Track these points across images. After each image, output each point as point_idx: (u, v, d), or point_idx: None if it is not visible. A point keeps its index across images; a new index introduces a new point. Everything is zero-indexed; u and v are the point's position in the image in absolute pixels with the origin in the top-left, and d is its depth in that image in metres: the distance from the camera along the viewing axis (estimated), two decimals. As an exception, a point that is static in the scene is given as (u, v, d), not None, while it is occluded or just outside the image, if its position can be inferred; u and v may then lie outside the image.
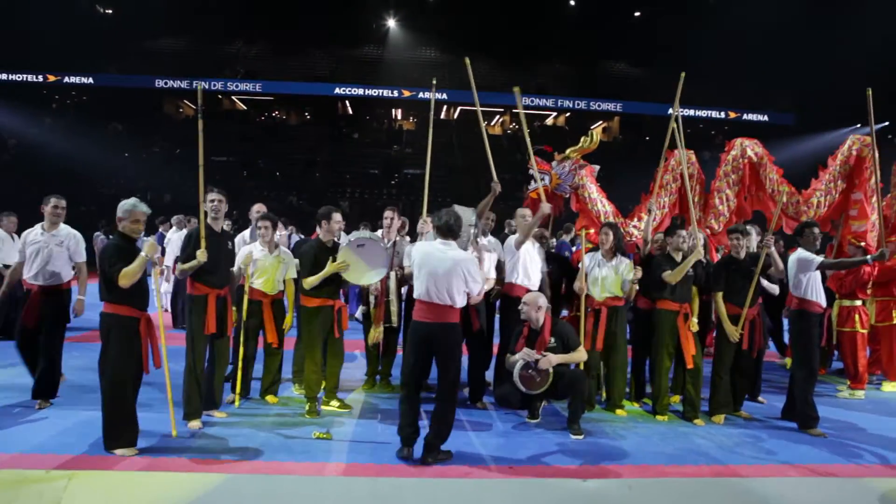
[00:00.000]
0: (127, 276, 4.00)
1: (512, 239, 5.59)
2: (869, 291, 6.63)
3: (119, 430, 4.06)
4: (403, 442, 4.19)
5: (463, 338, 4.63)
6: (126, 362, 4.08)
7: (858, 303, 6.49)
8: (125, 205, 4.21)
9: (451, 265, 4.14)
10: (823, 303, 5.31)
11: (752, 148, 7.08)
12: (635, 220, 6.95)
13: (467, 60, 5.79)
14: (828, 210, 7.04)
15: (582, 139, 6.90)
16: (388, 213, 6.08)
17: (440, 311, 4.17)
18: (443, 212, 4.29)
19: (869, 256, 5.41)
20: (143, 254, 4.13)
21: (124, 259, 4.06)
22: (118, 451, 4.01)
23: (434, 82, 6.76)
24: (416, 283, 4.24)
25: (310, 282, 5.06)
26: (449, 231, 4.23)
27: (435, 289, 4.14)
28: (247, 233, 6.11)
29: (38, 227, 5.30)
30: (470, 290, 4.23)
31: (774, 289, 6.04)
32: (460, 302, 4.22)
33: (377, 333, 5.86)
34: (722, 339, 5.41)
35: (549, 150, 7.06)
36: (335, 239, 5.30)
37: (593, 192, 6.89)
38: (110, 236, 8.10)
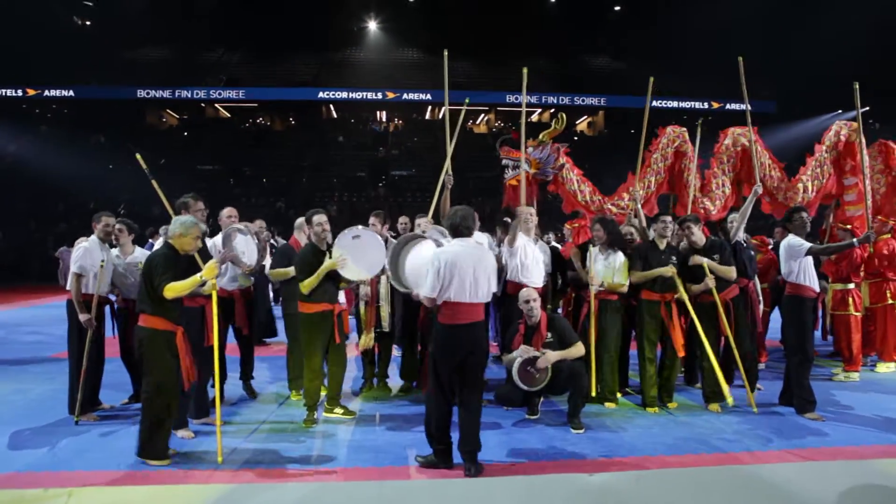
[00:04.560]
0: (174, 291, 3.93)
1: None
2: (862, 274, 6.67)
3: (157, 443, 4.02)
4: (440, 455, 4.02)
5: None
6: (167, 375, 4.04)
7: (852, 286, 6.53)
8: (186, 222, 4.12)
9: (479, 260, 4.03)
10: (817, 287, 5.32)
11: (744, 136, 7.13)
12: (615, 198, 7.02)
13: (445, 53, 5.79)
14: (816, 195, 7.12)
15: (553, 122, 7.02)
16: (372, 220, 5.90)
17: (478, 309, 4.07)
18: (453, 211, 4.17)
19: (855, 240, 5.45)
20: (199, 276, 4.01)
21: (173, 272, 3.98)
22: (153, 462, 3.98)
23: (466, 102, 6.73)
24: (451, 286, 3.93)
25: (307, 284, 4.86)
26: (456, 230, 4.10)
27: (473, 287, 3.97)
28: (218, 239, 5.37)
29: None
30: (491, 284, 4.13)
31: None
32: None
33: (368, 339, 5.74)
34: (701, 327, 5.29)
35: (516, 136, 7.05)
36: (328, 241, 5.08)
37: (571, 172, 7.04)
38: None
